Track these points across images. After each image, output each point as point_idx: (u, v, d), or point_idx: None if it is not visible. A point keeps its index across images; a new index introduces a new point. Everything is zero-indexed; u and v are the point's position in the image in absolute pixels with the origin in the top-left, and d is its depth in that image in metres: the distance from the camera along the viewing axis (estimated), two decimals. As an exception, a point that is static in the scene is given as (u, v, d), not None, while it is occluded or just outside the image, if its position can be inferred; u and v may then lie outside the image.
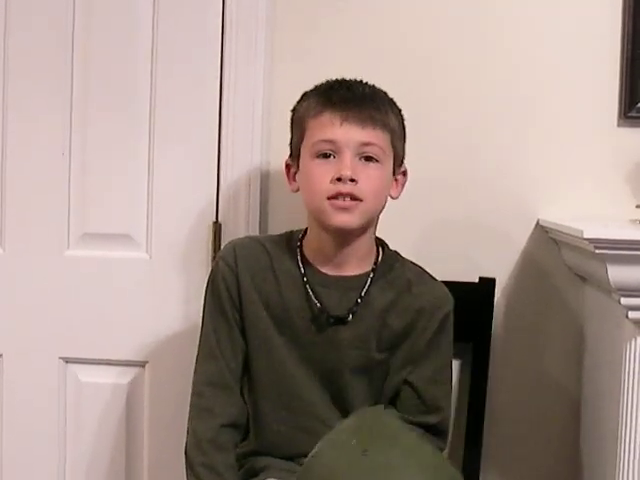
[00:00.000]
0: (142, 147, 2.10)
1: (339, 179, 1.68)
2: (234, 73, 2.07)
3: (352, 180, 1.67)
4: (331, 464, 1.59)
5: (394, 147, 1.74)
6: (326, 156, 1.70)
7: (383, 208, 1.76)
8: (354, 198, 1.68)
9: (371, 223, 1.76)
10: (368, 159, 1.70)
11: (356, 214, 1.69)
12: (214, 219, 2.09)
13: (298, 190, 1.78)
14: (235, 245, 1.81)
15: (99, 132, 2.11)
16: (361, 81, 1.76)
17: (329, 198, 1.69)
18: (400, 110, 1.77)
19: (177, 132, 2.09)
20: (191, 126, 2.09)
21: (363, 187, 1.68)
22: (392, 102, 1.77)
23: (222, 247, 1.84)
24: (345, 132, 1.69)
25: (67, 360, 2.14)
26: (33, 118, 2.11)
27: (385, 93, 1.77)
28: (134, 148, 2.11)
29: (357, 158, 1.69)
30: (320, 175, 1.70)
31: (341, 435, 1.63)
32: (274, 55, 2.09)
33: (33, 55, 2.10)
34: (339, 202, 1.68)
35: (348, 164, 1.68)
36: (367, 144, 1.69)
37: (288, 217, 1.99)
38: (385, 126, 1.71)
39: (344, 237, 1.74)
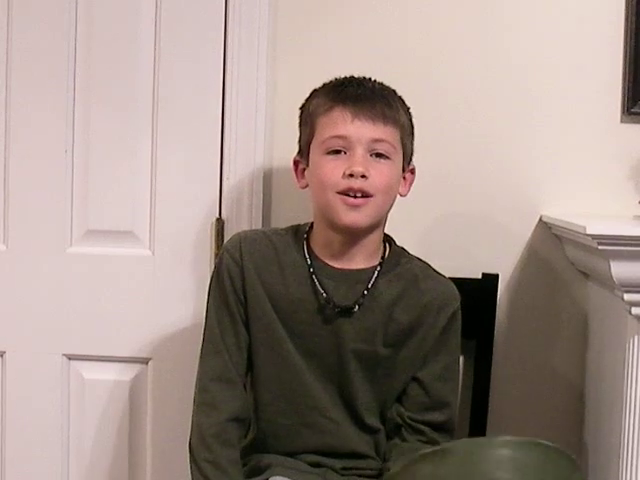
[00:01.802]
0: (145, 144, 2.10)
1: (351, 175, 1.68)
2: (237, 70, 2.07)
3: (363, 176, 1.68)
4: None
5: (403, 144, 1.74)
6: (337, 152, 1.71)
7: (392, 206, 1.77)
8: (365, 194, 1.69)
9: (380, 221, 1.76)
10: (379, 155, 1.71)
11: (366, 212, 1.70)
12: (217, 216, 2.09)
13: (307, 186, 1.78)
14: (241, 238, 1.81)
15: (101, 129, 2.11)
16: (370, 78, 1.77)
17: (339, 193, 1.69)
18: (409, 108, 1.78)
19: (180, 129, 2.09)
20: (194, 123, 2.09)
21: (374, 183, 1.69)
22: (401, 99, 1.77)
23: (228, 239, 1.84)
24: (357, 128, 1.69)
25: (70, 357, 2.14)
26: (36, 115, 2.11)
27: (394, 90, 1.77)
28: (137, 145, 2.11)
29: (368, 154, 1.70)
30: (331, 170, 1.70)
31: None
32: (277, 52, 2.09)
33: (35, 53, 2.10)
34: (350, 199, 1.69)
35: (360, 160, 1.68)
36: (378, 140, 1.70)
37: (291, 213, 1.99)
38: (396, 122, 1.72)
39: (352, 235, 1.74)
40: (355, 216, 1.69)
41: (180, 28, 2.08)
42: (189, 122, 2.09)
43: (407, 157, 1.77)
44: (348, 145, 1.70)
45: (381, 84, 1.77)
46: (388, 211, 1.77)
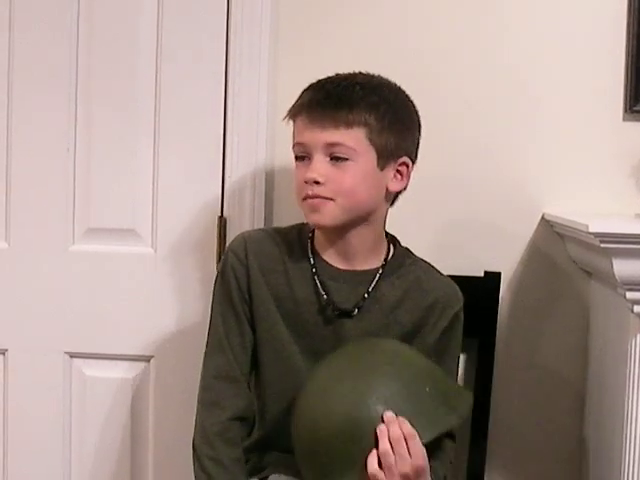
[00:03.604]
0: (147, 142, 2.10)
1: (307, 182, 1.69)
2: (239, 67, 2.07)
3: (317, 182, 1.68)
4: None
5: (372, 141, 1.70)
6: (303, 158, 1.72)
7: (380, 203, 1.74)
8: (324, 199, 1.69)
9: (362, 219, 1.73)
10: (339, 159, 1.69)
11: (327, 212, 1.69)
12: (219, 214, 2.09)
13: None
14: (246, 237, 1.81)
15: (104, 127, 2.11)
16: (346, 75, 1.74)
17: (303, 199, 1.71)
18: (391, 101, 1.72)
19: (182, 127, 2.09)
20: (196, 121, 2.09)
21: (332, 187, 1.68)
22: (374, 93, 1.71)
23: (233, 239, 1.84)
24: (310, 135, 1.70)
25: (72, 355, 2.15)
26: (38, 113, 2.12)
27: (372, 84, 1.72)
28: (139, 143, 2.11)
29: (328, 158, 1.70)
30: (297, 177, 1.73)
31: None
32: (279, 50, 2.09)
33: (37, 51, 2.11)
34: (309, 201, 1.70)
35: (314, 166, 1.69)
36: (333, 144, 1.69)
37: (293, 211, 1.97)
38: (351, 123, 1.68)
39: (333, 233, 1.75)
40: (317, 217, 1.71)
41: (182, 26, 2.08)
42: (191, 120, 2.09)
43: (385, 153, 1.72)
44: (307, 151, 1.71)
45: (352, 81, 1.72)
46: (382, 209, 1.76)
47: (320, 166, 1.69)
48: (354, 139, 1.69)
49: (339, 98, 1.70)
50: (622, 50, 2.01)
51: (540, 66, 2.05)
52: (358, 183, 1.71)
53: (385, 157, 1.72)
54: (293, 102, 1.76)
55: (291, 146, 1.77)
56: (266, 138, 2.07)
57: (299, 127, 1.73)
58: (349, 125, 1.69)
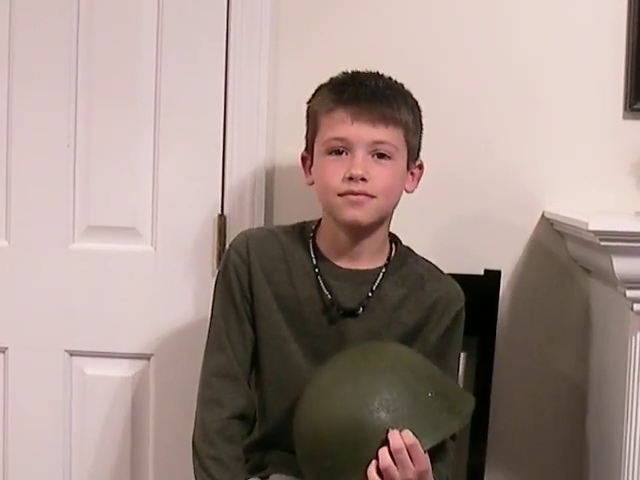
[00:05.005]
0: (147, 140, 2.10)
1: (351, 178, 1.67)
2: (239, 65, 2.07)
3: (363, 179, 1.67)
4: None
5: (407, 142, 1.72)
6: (339, 152, 1.70)
7: (397, 202, 1.76)
8: (366, 195, 1.68)
9: (384, 219, 1.75)
10: (380, 156, 1.69)
11: (367, 210, 1.69)
12: (219, 212, 2.09)
13: (313, 183, 1.77)
14: (248, 235, 1.81)
15: (104, 125, 2.11)
16: (376, 74, 1.74)
17: (341, 195, 1.69)
18: (415, 103, 1.76)
19: (182, 125, 2.09)
20: (196, 119, 2.09)
21: (375, 185, 1.68)
22: (407, 95, 1.75)
23: (235, 237, 1.83)
24: (356, 130, 1.68)
25: (72, 353, 2.14)
26: (38, 111, 2.11)
27: (400, 86, 1.75)
28: (139, 141, 2.11)
29: (369, 155, 1.69)
30: (332, 172, 1.70)
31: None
32: (279, 48, 2.09)
33: (38, 47, 2.10)
34: (351, 197, 1.68)
35: (359, 163, 1.67)
36: (379, 142, 1.69)
37: (294, 209, 1.99)
38: (397, 123, 1.70)
39: (357, 232, 1.74)
40: (356, 213, 1.69)
41: (183, 24, 2.08)
42: (192, 118, 2.09)
43: (413, 154, 1.75)
44: (348, 146, 1.69)
45: (386, 80, 1.74)
46: (393, 209, 1.77)
47: (364, 163, 1.68)
48: (397, 138, 1.71)
49: (385, 96, 1.70)
50: (622, 48, 2.01)
51: (540, 64, 2.05)
52: (395, 182, 1.72)
53: (411, 158, 1.75)
54: (312, 95, 1.76)
55: (305, 142, 1.77)
56: (266, 136, 2.07)
57: (337, 121, 1.69)
58: (396, 124, 1.70)
